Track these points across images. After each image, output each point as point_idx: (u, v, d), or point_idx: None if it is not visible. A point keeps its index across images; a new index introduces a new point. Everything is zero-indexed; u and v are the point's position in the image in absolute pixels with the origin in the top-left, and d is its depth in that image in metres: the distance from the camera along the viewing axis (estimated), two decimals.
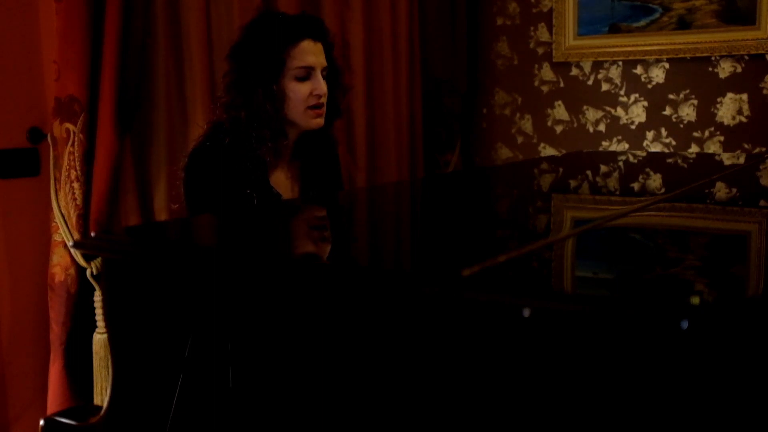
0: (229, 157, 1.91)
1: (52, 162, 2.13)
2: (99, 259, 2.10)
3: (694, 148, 3.20)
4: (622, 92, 3.34)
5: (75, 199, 2.12)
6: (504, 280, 0.96)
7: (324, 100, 1.99)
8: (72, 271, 2.15)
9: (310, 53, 1.95)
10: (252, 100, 1.91)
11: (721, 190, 1.88)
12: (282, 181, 2.04)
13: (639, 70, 3.28)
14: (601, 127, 3.40)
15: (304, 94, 1.96)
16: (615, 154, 2.97)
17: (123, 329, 1.26)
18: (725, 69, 3.10)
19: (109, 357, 1.33)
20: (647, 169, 2.39)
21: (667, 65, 3.22)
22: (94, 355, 2.15)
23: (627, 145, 3.35)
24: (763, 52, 3.01)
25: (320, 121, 2.00)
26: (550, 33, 3.46)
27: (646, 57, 3.24)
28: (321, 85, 1.97)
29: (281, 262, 1.07)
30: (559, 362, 0.81)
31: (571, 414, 0.81)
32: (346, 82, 2.15)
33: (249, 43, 1.95)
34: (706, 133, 3.17)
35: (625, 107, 3.33)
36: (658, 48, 3.20)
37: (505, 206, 1.76)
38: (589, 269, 1.09)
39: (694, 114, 3.19)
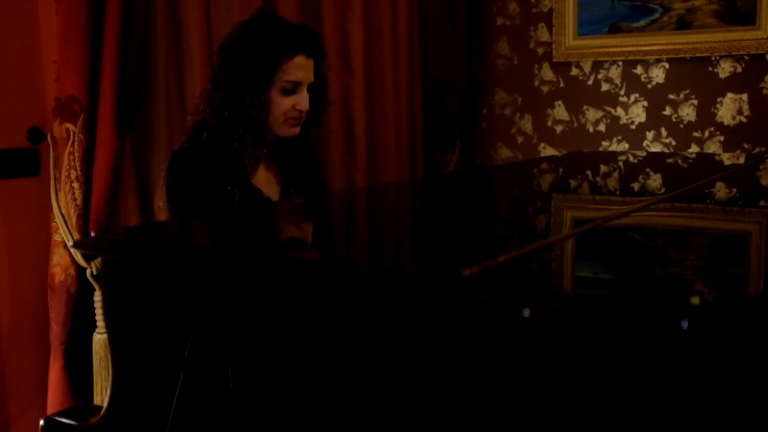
0: (209, 156, 1.92)
1: (52, 162, 2.13)
2: (99, 259, 2.11)
3: (694, 148, 3.20)
4: (622, 92, 3.34)
5: (75, 199, 2.12)
6: (504, 280, 0.96)
7: (304, 114, 2.00)
8: (72, 271, 2.15)
9: (301, 69, 1.95)
10: (238, 103, 1.91)
11: (721, 190, 1.88)
12: (263, 180, 2.04)
13: (639, 70, 3.28)
14: (601, 127, 3.40)
15: (287, 107, 1.96)
16: (615, 154, 2.97)
17: (123, 329, 1.26)
18: (725, 69, 3.10)
19: (109, 357, 1.33)
20: (647, 169, 2.39)
21: (667, 65, 3.22)
22: (94, 355, 2.15)
23: (627, 145, 3.35)
24: (763, 52, 3.01)
25: (296, 130, 2.02)
26: (550, 33, 3.46)
27: (646, 57, 3.24)
28: (304, 102, 1.97)
29: (281, 263, 1.07)
30: (560, 362, 0.81)
31: (572, 414, 0.81)
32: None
33: (245, 45, 1.94)
34: (706, 133, 3.18)
35: (625, 107, 3.33)
36: (658, 48, 3.19)
37: (505, 206, 1.76)
38: (589, 269, 1.09)
39: (694, 114, 3.19)
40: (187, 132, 2.02)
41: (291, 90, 1.96)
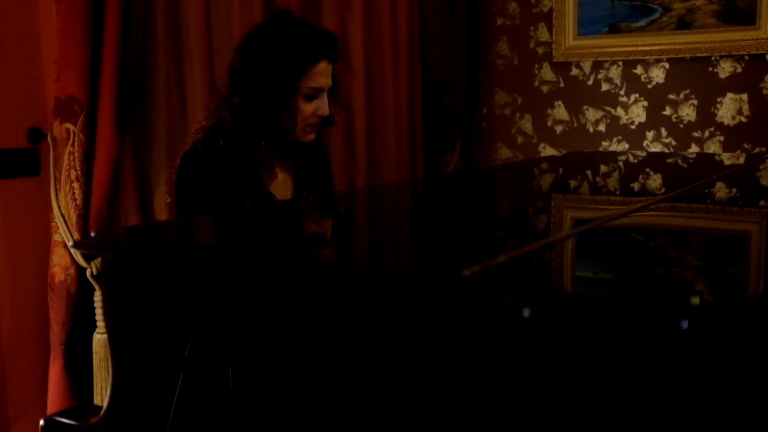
0: (221, 162, 1.90)
1: (52, 162, 2.13)
2: (99, 259, 2.11)
3: (694, 148, 3.20)
4: (622, 92, 3.34)
5: (75, 199, 2.12)
6: (504, 280, 0.96)
7: (320, 119, 2.00)
8: (72, 271, 2.15)
9: (324, 75, 1.94)
10: (264, 109, 1.89)
11: (721, 190, 1.88)
12: (278, 182, 2.04)
13: (639, 70, 3.28)
14: (601, 127, 3.40)
15: (309, 113, 1.96)
16: (615, 154, 2.97)
17: (123, 329, 1.26)
18: (725, 69, 3.10)
19: (109, 357, 1.33)
20: (647, 169, 2.39)
21: (667, 65, 3.22)
22: (94, 355, 2.15)
23: (627, 145, 3.35)
24: (763, 52, 3.01)
25: (313, 136, 2.03)
26: (550, 33, 3.46)
27: (646, 57, 3.24)
28: (325, 107, 1.96)
29: (281, 263, 1.07)
30: (559, 362, 0.81)
31: (572, 414, 0.81)
32: (341, 96, 2.15)
33: (268, 49, 1.91)
34: (706, 133, 3.18)
35: (625, 107, 3.33)
36: (658, 48, 3.20)
37: (505, 206, 1.76)
38: (589, 269, 1.09)
39: (694, 114, 3.19)
40: (200, 131, 2.00)
41: (313, 96, 1.95)
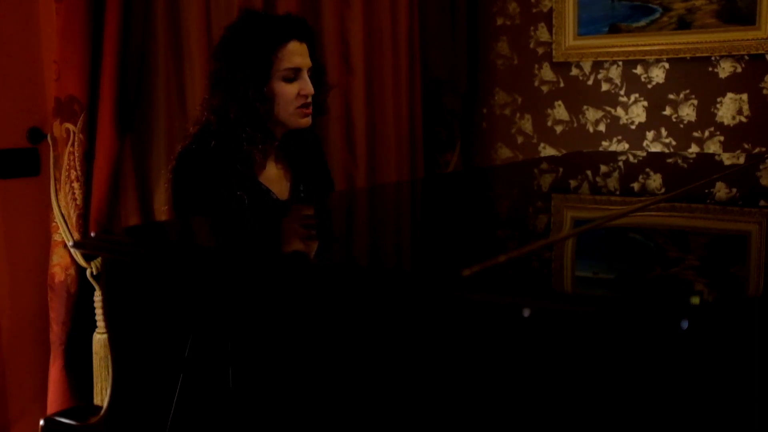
0: (216, 160, 1.91)
1: (52, 162, 2.13)
2: (99, 259, 2.11)
3: (694, 148, 3.20)
4: (622, 92, 3.34)
5: (75, 199, 2.12)
6: (504, 280, 0.96)
7: (311, 99, 2.01)
8: (72, 271, 2.15)
9: (297, 54, 1.97)
10: (242, 101, 1.92)
11: (721, 190, 1.88)
12: (273, 178, 2.04)
13: (639, 70, 3.28)
14: (601, 127, 3.40)
15: (292, 95, 1.98)
16: (615, 154, 2.97)
17: (123, 329, 1.26)
18: (725, 69, 3.10)
19: (109, 357, 1.33)
20: (647, 169, 2.39)
21: (667, 65, 3.22)
22: (94, 355, 2.15)
23: (627, 145, 3.35)
24: (763, 52, 3.01)
25: (308, 120, 2.04)
26: (550, 33, 3.46)
27: (646, 57, 3.24)
28: (308, 86, 1.99)
29: (281, 263, 1.07)
30: (559, 362, 0.81)
31: (572, 414, 0.81)
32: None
33: (236, 44, 1.96)
34: (706, 133, 3.17)
35: (625, 107, 3.33)
36: (658, 48, 3.20)
37: (505, 206, 1.76)
38: (589, 269, 1.09)
39: (694, 114, 3.19)
40: (189, 137, 2.01)
41: (292, 78, 1.97)
